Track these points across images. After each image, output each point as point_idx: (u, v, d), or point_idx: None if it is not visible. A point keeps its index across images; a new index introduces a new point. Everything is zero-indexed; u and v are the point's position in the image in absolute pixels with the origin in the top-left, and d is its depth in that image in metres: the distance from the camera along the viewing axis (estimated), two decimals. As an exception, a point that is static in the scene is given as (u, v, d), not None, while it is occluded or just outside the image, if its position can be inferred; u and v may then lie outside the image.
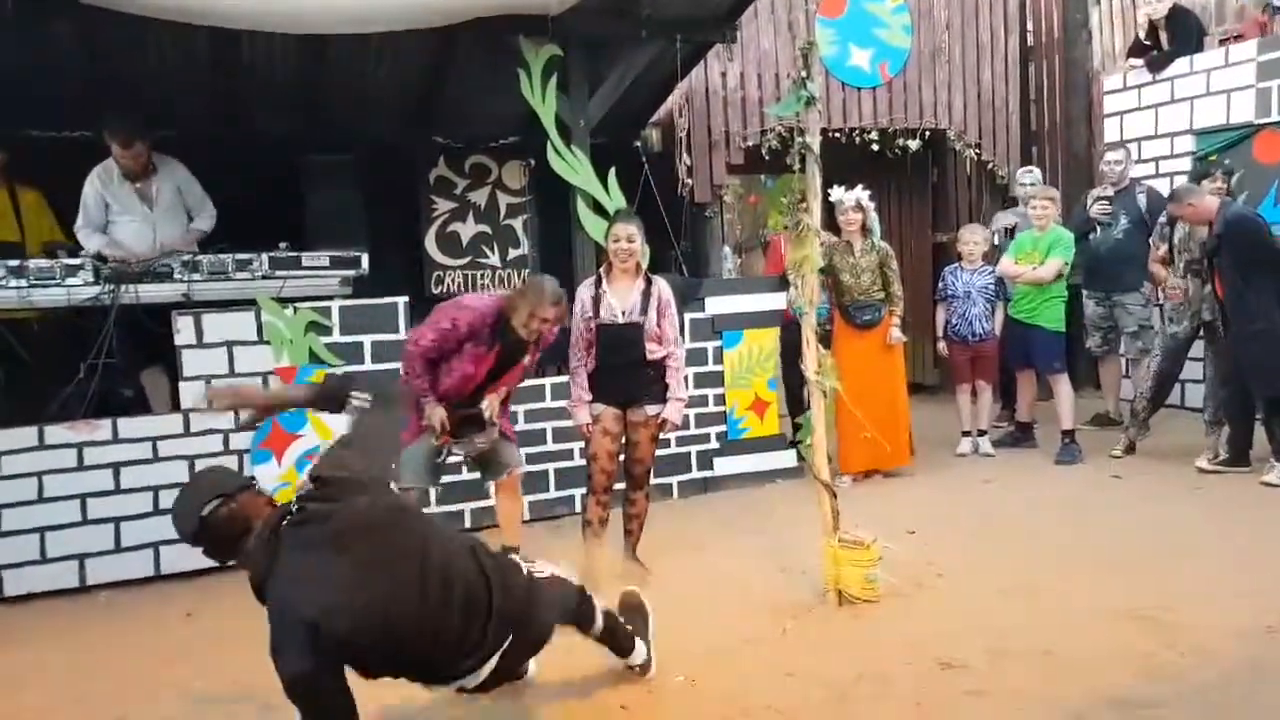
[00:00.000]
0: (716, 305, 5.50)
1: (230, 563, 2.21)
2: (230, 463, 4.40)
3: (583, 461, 4.12)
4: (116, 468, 4.25)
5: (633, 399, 3.95)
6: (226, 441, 4.41)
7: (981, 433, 6.02)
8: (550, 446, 5.03)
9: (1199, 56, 6.76)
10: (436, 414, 3.64)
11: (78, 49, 5.11)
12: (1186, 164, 6.67)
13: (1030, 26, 8.04)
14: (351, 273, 4.68)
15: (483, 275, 6.85)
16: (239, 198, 5.22)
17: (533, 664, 2.97)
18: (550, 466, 5.03)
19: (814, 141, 3.72)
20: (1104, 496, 4.97)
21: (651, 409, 3.96)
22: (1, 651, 3.59)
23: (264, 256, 4.55)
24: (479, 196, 6.81)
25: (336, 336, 4.55)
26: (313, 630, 2.03)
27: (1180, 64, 6.81)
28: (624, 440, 4.00)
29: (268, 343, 4.45)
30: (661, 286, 3.99)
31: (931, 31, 7.43)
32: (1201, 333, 5.43)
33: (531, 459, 4.96)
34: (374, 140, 6.32)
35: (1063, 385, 5.77)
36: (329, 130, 6.15)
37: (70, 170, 4.91)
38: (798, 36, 6.56)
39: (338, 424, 4.51)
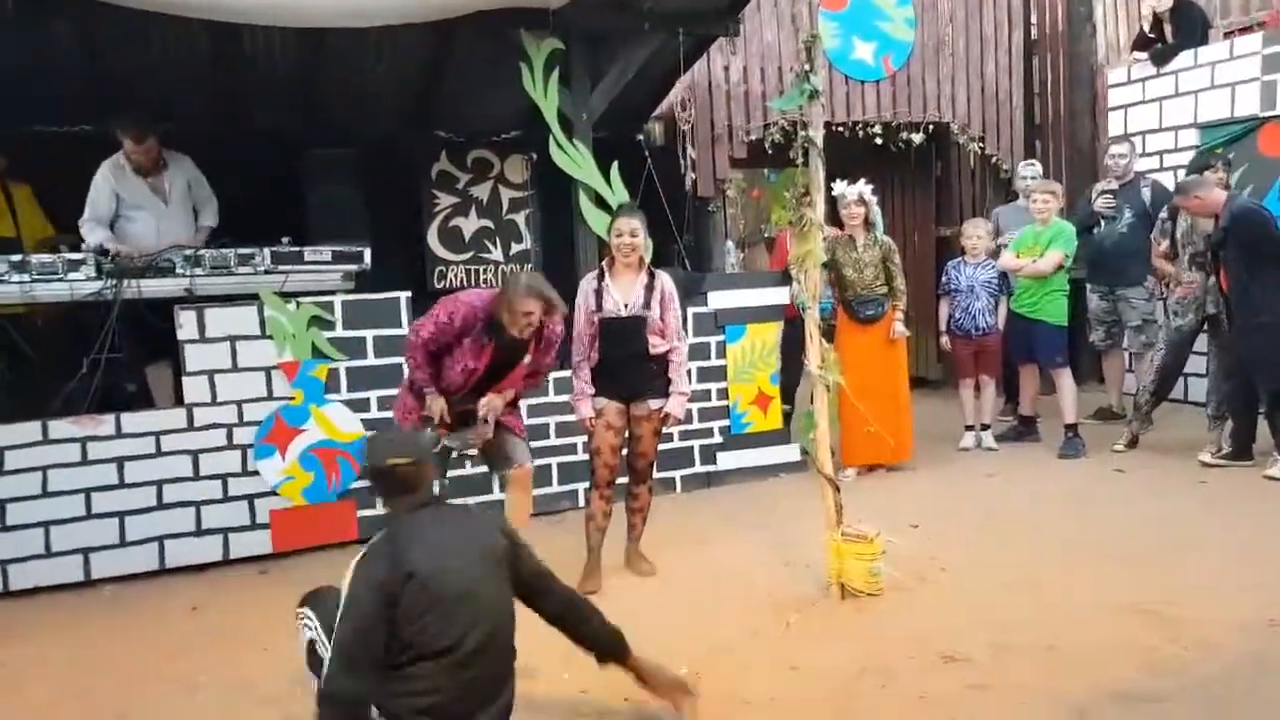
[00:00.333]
0: (719, 300, 5.49)
1: (379, 501, 2.55)
2: (233, 457, 4.42)
3: (586, 456, 4.12)
4: (120, 462, 4.26)
5: (635, 393, 3.95)
6: (230, 436, 4.42)
7: (985, 427, 6.02)
8: (553, 441, 5.03)
9: (1203, 49, 6.73)
10: (437, 404, 3.63)
11: (78, 44, 5.11)
12: (1190, 157, 6.64)
13: (1034, 19, 8.01)
14: (354, 267, 4.69)
15: (485, 270, 6.84)
16: (241, 193, 5.23)
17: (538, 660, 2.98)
18: (553, 461, 5.03)
19: (817, 135, 3.72)
20: (1107, 490, 4.97)
21: (654, 403, 3.96)
22: (5, 646, 3.59)
23: (266, 251, 4.55)
24: (481, 191, 6.80)
25: (339, 331, 4.55)
26: (407, 578, 2.25)
27: (1184, 57, 6.78)
28: (627, 434, 4.00)
29: (270, 337, 4.45)
30: (664, 280, 3.99)
31: (935, 25, 7.40)
32: (1205, 326, 5.42)
33: (535, 453, 4.92)
34: (375, 135, 6.32)
35: (1065, 379, 5.76)
36: (330, 125, 6.15)
37: (68, 165, 4.91)
38: (801, 30, 6.55)
39: (342, 419, 4.55)
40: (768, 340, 5.59)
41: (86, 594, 4.16)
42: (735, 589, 3.82)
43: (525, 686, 2.98)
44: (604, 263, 4.05)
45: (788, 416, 5.74)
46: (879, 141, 7.29)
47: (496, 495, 4.34)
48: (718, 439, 5.49)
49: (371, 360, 4.59)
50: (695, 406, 5.21)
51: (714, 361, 5.46)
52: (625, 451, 4.02)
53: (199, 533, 4.38)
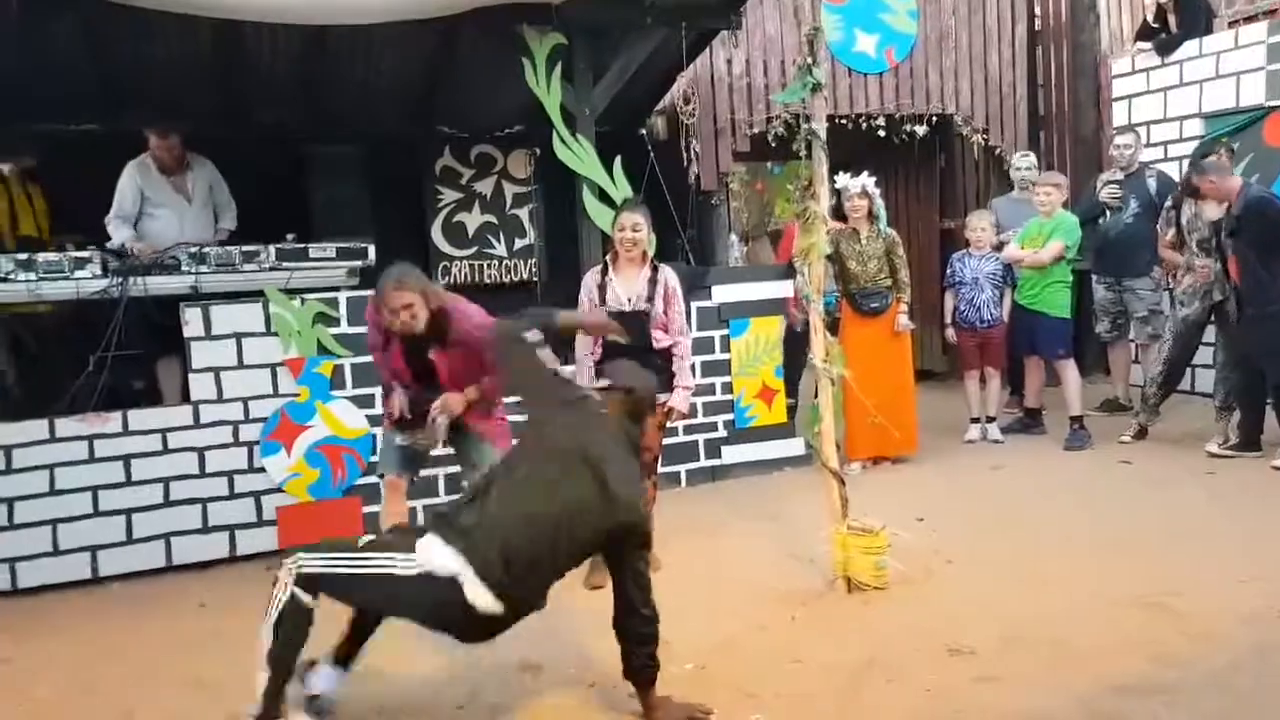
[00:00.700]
0: (723, 294, 5.49)
1: None
2: (239, 454, 4.43)
3: (591, 451, 4.11)
4: (127, 460, 4.27)
5: (640, 388, 3.94)
6: (236, 433, 4.43)
7: (990, 419, 6.01)
8: (558, 436, 5.03)
9: (1208, 39, 6.70)
10: (396, 401, 3.63)
11: (82, 43, 5.12)
12: (1195, 147, 6.61)
13: (1037, 10, 7.97)
14: (358, 264, 4.68)
15: (489, 265, 6.85)
16: (245, 191, 5.24)
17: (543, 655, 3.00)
18: (558, 456, 5.03)
19: (820, 128, 3.71)
20: (1113, 482, 4.96)
21: (658, 398, 3.95)
22: (13, 643, 3.61)
23: (271, 248, 4.55)
24: (485, 186, 6.80)
25: (344, 328, 4.55)
26: None
27: (1189, 47, 6.75)
28: (632, 429, 3.99)
29: (276, 334, 4.46)
30: (668, 275, 3.99)
31: (938, 16, 7.37)
32: (1212, 316, 5.41)
33: (539, 449, 4.97)
34: (379, 132, 6.32)
35: (1069, 371, 5.75)
36: (334, 122, 6.15)
37: (73, 163, 4.93)
38: (803, 22, 6.52)
39: (347, 415, 4.55)
40: (771, 334, 5.59)
41: (94, 591, 4.17)
42: (740, 583, 3.82)
43: (531, 681, 3.00)
44: (607, 257, 4.05)
45: (793, 410, 5.74)
46: (882, 134, 7.26)
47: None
48: (722, 433, 5.49)
49: (376, 356, 4.60)
50: (699, 401, 5.21)
51: (718, 355, 5.46)
52: (630, 446, 4.01)
53: (205, 530, 4.39)
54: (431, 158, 6.66)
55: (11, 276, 4.20)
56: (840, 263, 5.44)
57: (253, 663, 2.88)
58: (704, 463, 5.45)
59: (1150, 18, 7.09)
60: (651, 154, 5.97)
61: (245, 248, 4.53)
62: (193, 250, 4.49)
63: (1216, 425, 5.41)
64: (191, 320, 4.35)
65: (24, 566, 4.13)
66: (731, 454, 5.51)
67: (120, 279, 4.31)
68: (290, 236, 4.66)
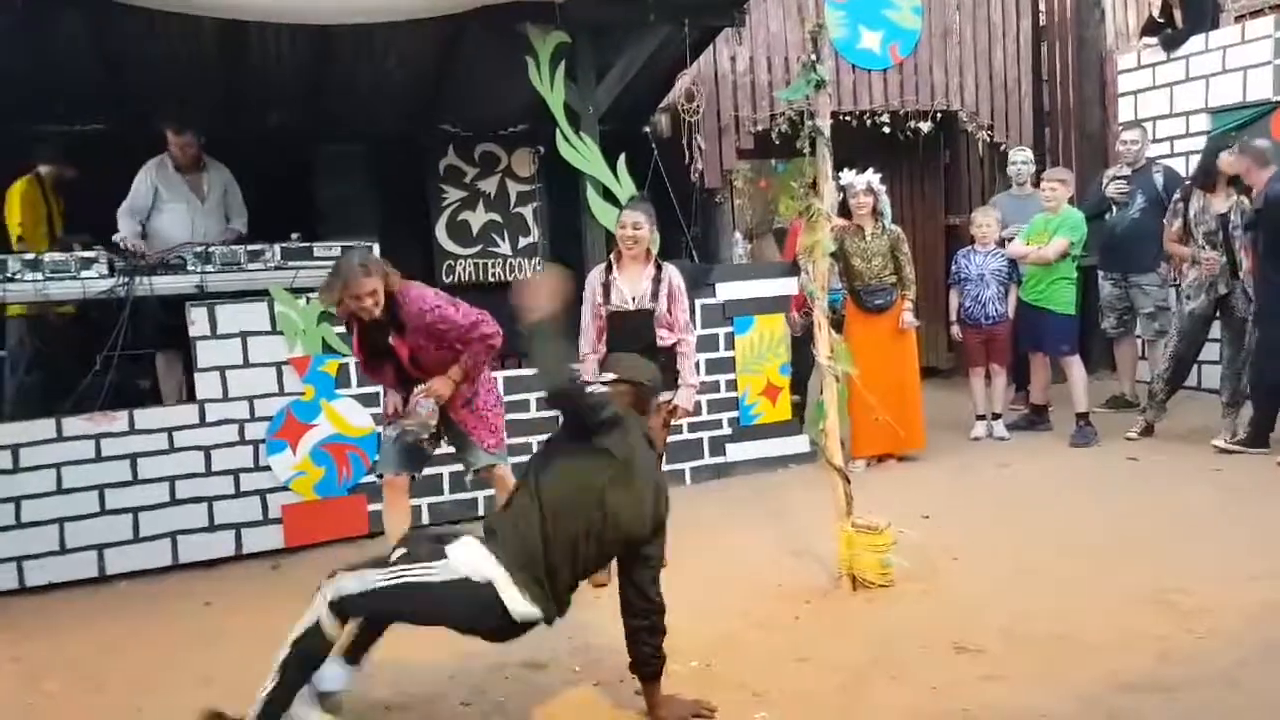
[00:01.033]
0: (728, 291, 5.48)
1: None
2: (245, 453, 4.44)
3: (595, 449, 4.11)
4: (134, 458, 4.29)
5: (644, 386, 3.94)
6: (242, 431, 4.44)
7: (996, 416, 6.00)
8: (563, 434, 5.04)
9: (1214, 33, 6.67)
10: (391, 399, 3.66)
11: (88, 44, 5.13)
12: (1202, 143, 6.58)
13: (1042, 6, 7.94)
14: (362, 262, 4.68)
15: (493, 264, 6.85)
16: (250, 190, 5.25)
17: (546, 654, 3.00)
18: (563, 454, 5.03)
19: (824, 125, 3.70)
20: (1119, 479, 4.95)
21: (663, 395, 3.94)
22: (22, 641, 3.63)
23: (276, 247, 4.57)
24: (489, 185, 6.80)
25: (349, 326, 4.56)
26: None
27: (1195, 41, 6.72)
28: (636, 427, 3.99)
29: (281, 333, 4.47)
30: (672, 273, 3.98)
31: (942, 12, 7.36)
32: (1218, 310, 5.39)
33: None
34: (383, 131, 6.32)
35: (1075, 368, 5.73)
36: (338, 122, 6.16)
37: (79, 164, 4.95)
38: (807, 19, 6.49)
39: (352, 414, 4.56)
40: (776, 331, 5.58)
41: (101, 590, 4.19)
42: (745, 580, 3.82)
43: (536, 678, 3.00)
44: (611, 255, 4.05)
45: (798, 407, 5.73)
46: (886, 130, 7.25)
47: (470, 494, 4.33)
48: (727, 430, 5.49)
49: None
50: (704, 398, 5.20)
51: (722, 353, 5.46)
52: (635, 444, 4.01)
53: (211, 528, 4.41)
54: (436, 156, 6.67)
55: (18, 276, 4.23)
56: (845, 260, 5.43)
57: (259, 660, 2.89)
58: (708, 460, 5.45)
59: (1155, 12, 7.07)
60: (655, 152, 5.97)
61: (251, 247, 4.56)
62: (198, 250, 4.51)
63: (1223, 421, 5.39)
64: (197, 319, 4.37)
65: (31, 565, 4.15)
66: (736, 451, 5.50)
67: (126, 279, 4.32)
68: (295, 236, 4.67)
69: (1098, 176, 6.64)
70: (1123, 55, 7.46)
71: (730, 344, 5.48)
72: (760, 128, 6.91)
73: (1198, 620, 3.17)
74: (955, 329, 6.11)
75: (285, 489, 4.50)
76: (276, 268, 4.56)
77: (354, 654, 2.75)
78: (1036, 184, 6.52)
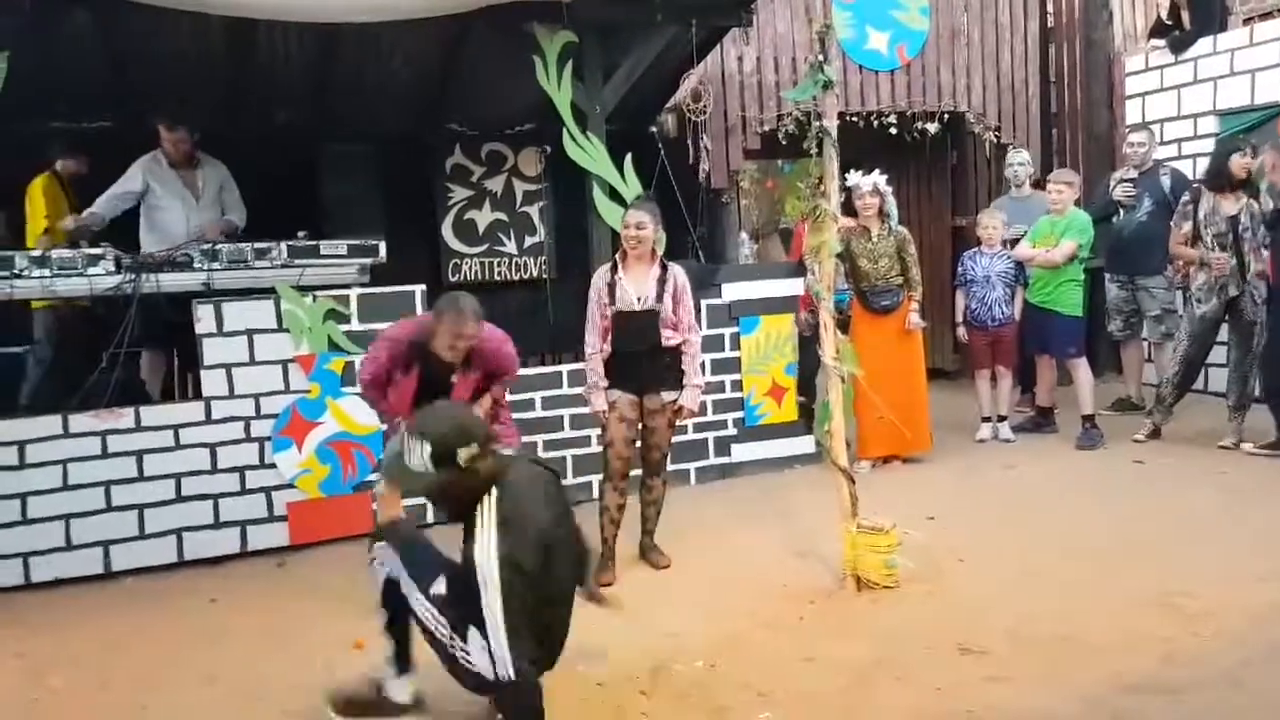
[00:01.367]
0: (733, 291, 5.48)
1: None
2: (251, 450, 4.45)
3: (599, 448, 4.13)
4: (139, 455, 4.30)
5: (649, 386, 3.94)
6: (248, 429, 4.44)
7: (1001, 418, 5.99)
8: (567, 433, 5.05)
9: (1223, 36, 6.66)
10: (401, 424, 3.59)
11: (96, 41, 5.14)
12: (1209, 145, 6.57)
13: (1050, 7, 7.93)
14: (369, 261, 4.70)
15: (499, 263, 6.86)
16: (256, 188, 5.26)
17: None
18: (568, 453, 5.04)
19: (831, 125, 3.70)
20: (1125, 481, 4.93)
21: (668, 396, 3.96)
22: (28, 637, 3.63)
23: (282, 245, 4.57)
24: (495, 184, 6.81)
25: (355, 325, 4.57)
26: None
27: (1203, 44, 6.71)
28: (640, 427, 4.00)
29: (287, 330, 4.47)
30: (677, 273, 3.98)
31: (950, 13, 7.34)
32: (1226, 313, 5.36)
33: (549, 446, 4.98)
34: (390, 129, 6.33)
35: (1081, 370, 5.72)
36: (345, 120, 6.17)
37: (88, 161, 4.97)
38: (814, 19, 6.47)
39: (357, 413, 4.57)
40: (782, 331, 5.57)
41: (107, 586, 4.20)
42: (750, 581, 3.81)
43: (543, 678, 2.99)
44: (617, 256, 4.05)
45: (803, 408, 5.73)
46: (893, 131, 7.24)
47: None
48: (732, 431, 5.48)
49: (387, 354, 4.61)
50: (709, 398, 5.20)
51: (728, 353, 5.45)
52: (639, 444, 4.02)
53: (217, 525, 4.41)
54: (442, 155, 6.68)
55: (26, 273, 4.23)
56: (851, 261, 5.43)
57: (264, 657, 2.90)
58: (714, 460, 5.45)
59: (1164, 14, 7.05)
60: (662, 152, 5.96)
61: (257, 244, 4.55)
62: (205, 247, 4.52)
63: (1230, 424, 5.37)
64: (204, 316, 4.37)
65: (37, 561, 4.16)
66: (741, 452, 5.50)
67: (133, 276, 4.33)
68: (302, 234, 4.68)
69: (1105, 179, 6.62)
70: (1130, 57, 7.44)
71: (736, 344, 5.47)
72: (767, 128, 6.90)
73: (1202, 622, 3.17)
74: (961, 330, 6.10)
75: (291, 486, 4.50)
76: (283, 265, 4.56)
77: (403, 662, 2.75)
78: (1038, 185, 6.52)
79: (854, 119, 6.97)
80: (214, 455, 4.41)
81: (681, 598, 3.69)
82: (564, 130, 5.12)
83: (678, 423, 4.07)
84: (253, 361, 4.45)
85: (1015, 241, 6.00)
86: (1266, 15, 6.80)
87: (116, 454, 4.26)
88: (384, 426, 4.52)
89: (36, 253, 4.32)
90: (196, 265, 4.48)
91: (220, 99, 5.88)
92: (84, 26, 4.96)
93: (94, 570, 4.23)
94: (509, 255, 6.88)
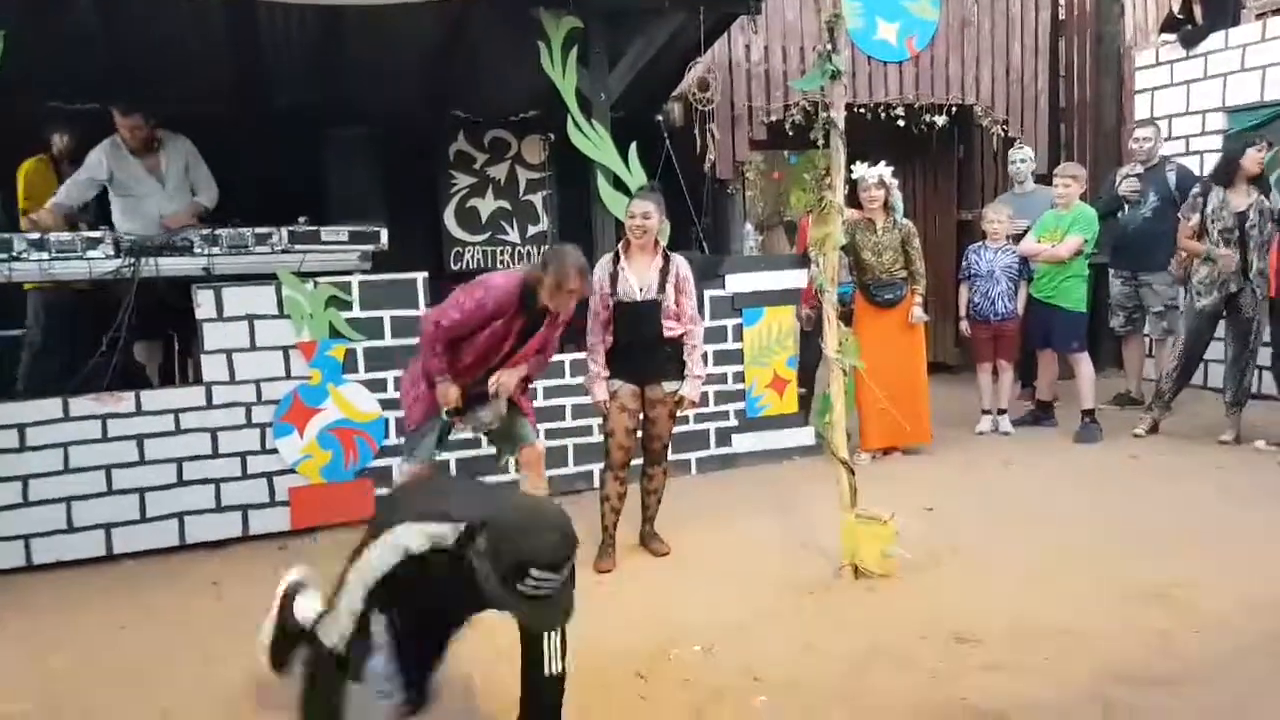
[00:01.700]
0: (737, 283, 5.47)
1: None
2: (252, 435, 4.46)
3: (601, 437, 4.13)
4: (140, 439, 4.31)
5: (650, 376, 3.94)
6: (249, 415, 4.45)
7: (1001, 412, 5.98)
8: (569, 423, 5.05)
9: (1234, 31, 6.61)
10: (452, 392, 3.61)
11: (96, 21, 5.13)
12: (1217, 142, 6.54)
13: (1061, 0, 7.89)
14: (371, 247, 4.69)
15: (502, 251, 6.85)
16: (257, 173, 5.25)
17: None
18: (569, 442, 5.05)
19: (838, 116, 3.69)
20: (1123, 476, 4.93)
21: (669, 386, 3.95)
22: (30, 617, 3.66)
23: (283, 231, 4.55)
24: (498, 172, 6.80)
25: (356, 311, 4.57)
26: None
27: (1214, 39, 6.66)
28: (642, 417, 4.00)
29: (288, 316, 4.48)
30: (680, 264, 3.97)
31: (960, 4, 7.30)
32: (1225, 309, 5.34)
33: (550, 434, 4.98)
34: (392, 115, 6.31)
35: (1083, 365, 5.71)
36: (347, 105, 6.15)
37: (87, 142, 4.95)
38: (823, 9, 6.45)
39: (359, 399, 4.57)
40: (784, 324, 5.57)
41: (108, 568, 4.21)
42: (749, 569, 3.82)
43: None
44: (620, 245, 4.04)
45: (804, 399, 5.72)
46: (901, 123, 7.21)
47: (510, 475, 4.35)
48: (733, 422, 5.48)
49: (389, 341, 4.61)
50: (711, 389, 5.21)
51: (730, 345, 5.45)
52: (640, 434, 4.03)
53: (219, 509, 4.43)
54: (445, 142, 6.67)
55: (24, 255, 4.23)
56: (855, 253, 5.41)
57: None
58: (714, 451, 5.45)
59: (1175, 9, 7.00)
60: (667, 141, 5.94)
61: (258, 230, 4.54)
62: (205, 232, 4.51)
63: (1227, 420, 5.36)
64: (204, 302, 4.37)
65: (39, 543, 4.18)
66: (742, 443, 5.50)
67: (132, 260, 4.33)
68: (303, 219, 4.67)
69: (1111, 174, 6.59)
70: (1141, 51, 7.40)
71: (738, 336, 5.47)
72: (774, 118, 6.88)
73: (1198, 614, 3.17)
74: (964, 324, 6.09)
75: (292, 472, 4.52)
76: (284, 251, 4.55)
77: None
78: (1044, 180, 6.49)
79: (861, 110, 6.94)
80: (215, 440, 4.42)
81: (680, 585, 3.70)
82: (568, 118, 5.10)
83: (679, 413, 4.06)
84: (253, 347, 4.45)
85: (1020, 236, 5.98)
86: (1279, 11, 6.75)
87: (117, 438, 4.28)
88: (385, 414, 4.53)
89: (34, 235, 4.31)
90: (197, 250, 4.47)
91: (222, 82, 5.87)
92: (84, 8, 4.95)
93: (96, 553, 4.25)
94: (512, 244, 6.87)
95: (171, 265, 4.44)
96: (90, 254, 4.30)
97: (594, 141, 5.14)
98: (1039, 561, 3.74)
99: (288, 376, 4.50)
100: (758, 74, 6.84)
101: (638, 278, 3.91)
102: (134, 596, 3.87)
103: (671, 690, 2.83)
